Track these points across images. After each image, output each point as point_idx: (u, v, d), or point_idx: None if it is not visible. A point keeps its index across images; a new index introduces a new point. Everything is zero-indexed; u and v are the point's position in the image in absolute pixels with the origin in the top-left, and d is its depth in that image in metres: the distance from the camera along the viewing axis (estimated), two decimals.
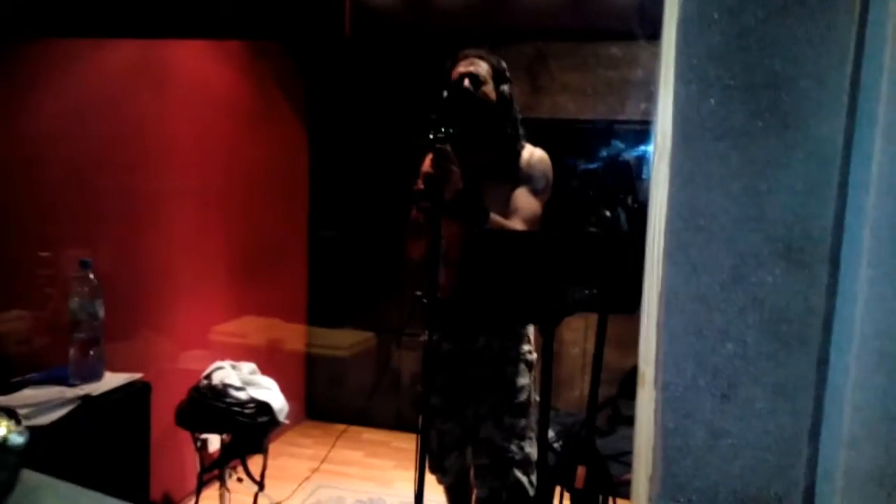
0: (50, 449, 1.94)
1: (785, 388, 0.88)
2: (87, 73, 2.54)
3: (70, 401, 2.09)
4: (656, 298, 0.96)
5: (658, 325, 0.95)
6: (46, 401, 2.06)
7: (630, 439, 1.16)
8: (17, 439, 0.43)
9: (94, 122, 2.60)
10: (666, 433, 0.93)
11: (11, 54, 2.18)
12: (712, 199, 0.89)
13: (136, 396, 2.34)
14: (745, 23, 0.85)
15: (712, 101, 0.87)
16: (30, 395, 2.10)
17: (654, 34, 1.00)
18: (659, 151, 0.93)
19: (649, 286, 0.98)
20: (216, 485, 3.01)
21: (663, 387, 0.93)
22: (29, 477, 0.51)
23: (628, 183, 1.83)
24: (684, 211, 0.91)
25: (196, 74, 3.24)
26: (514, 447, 2.21)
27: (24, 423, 1.88)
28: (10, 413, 0.48)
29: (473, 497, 2.45)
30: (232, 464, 3.05)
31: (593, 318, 1.95)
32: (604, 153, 1.95)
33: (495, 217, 2.05)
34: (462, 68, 2.17)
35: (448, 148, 1.94)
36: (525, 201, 2.18)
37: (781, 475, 0.89)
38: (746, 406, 0.89)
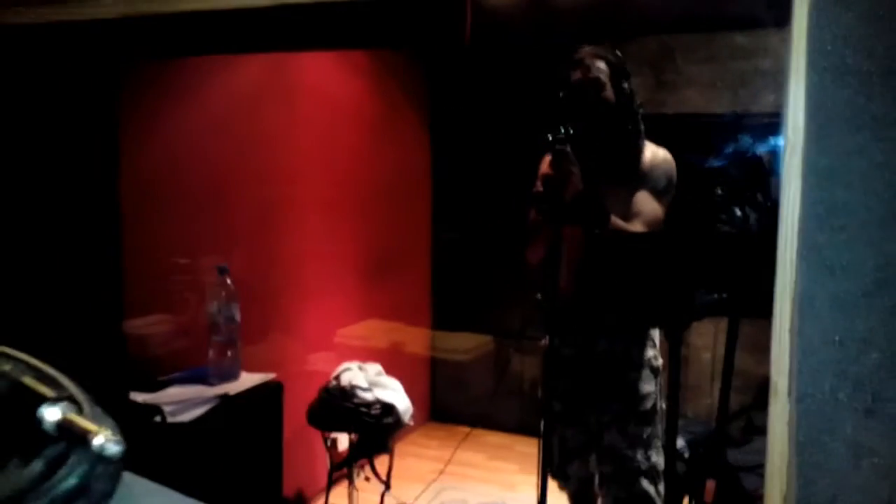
0: (191, 444, 2.07)
1: None
2: (221, 88, 2.69)
3: (210, 399, 2.21)
4: (789, 304, 0.89)
5: (791, 332, 0.89)
6: (188, 399, 2.19)
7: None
8: (114, 448, 0.44)
9: (228, 135, 2.75)
10: (801, 449, 0.87)
11: (154, 73, 2.35)
12: (852, 197, 0.82)
13: (269, 396, 2.45)
14: (885, 1, 0.77)
15: (849, 89, 0.80)
16: (174, 393, 2.24)
17: (784, 20, 0.93)
18: (790, 146, 0.86)
19: (781, 291, 0.91)
20: (345, 483, 3.10)
21: (798, 399, 0.86)
22: (131, 483, 0.53)
23: (759, 180, 1.72)
24: (820, 209, 0.84)
25: (323, 85, 3.37)
26: (640, 456, 2.13)
27: (169, 419, 2.03)
28: (105, 420, 0.50)
29: None
30: (360, 463, 3.14)
31: (725, 322, 1.85)
32: (733, 149, 1.85)
33: (616, 221, 1.99)
34: (579, 73, 2.10)
35: (567, 149, 1.90)
36: (647, 205, 2.09)
37: None
38: (894, 422, 0.81)
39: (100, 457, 0.44)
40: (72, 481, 0.45)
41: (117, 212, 1.76)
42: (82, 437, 0.44)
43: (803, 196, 0.86)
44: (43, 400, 0.47)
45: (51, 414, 0.46)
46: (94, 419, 0.47)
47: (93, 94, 1.70)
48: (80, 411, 0.47)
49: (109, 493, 0.48)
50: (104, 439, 0.44)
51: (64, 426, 0.45)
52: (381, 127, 3.89)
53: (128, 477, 0.52)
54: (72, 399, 0.48)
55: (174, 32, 1.67)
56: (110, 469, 0.48)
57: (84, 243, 1.68)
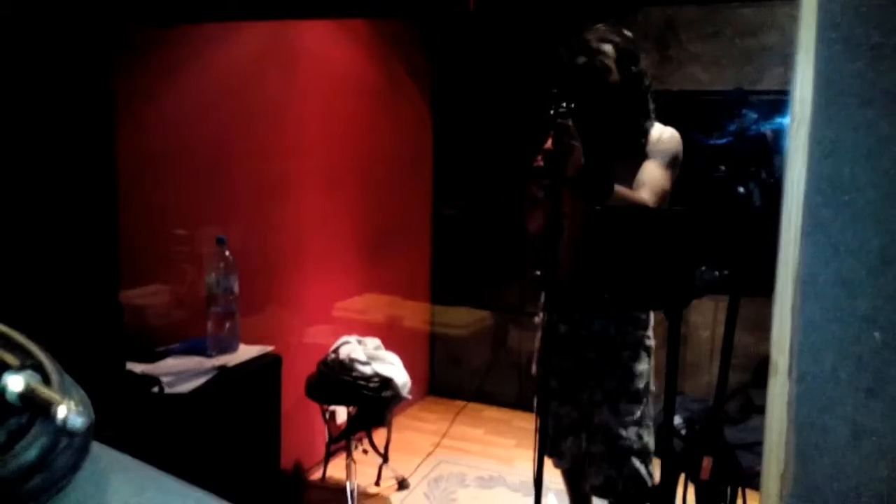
0: (189, 416, 2.07)
1: None
2: (219, 58, 2.66)
3: (208, 371, 2.21)
4: (791, 282, 0.88)
5: (793, 310, 0.87)
6: (186, 370, 2.20)
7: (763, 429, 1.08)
8: (78, 421, 0.43)
9: (227, 105, 2.72)
10: (800, 428, 0.86)
11: (151, 41, 2.31)
12: (858, 172, 0.80)
13: (268, 368, 2.45)
14: None
15: (859, 62, 0.78)
16: (172, 364, 2.24)
17: None
18: (796, 120, 0.85)
19: (783, 268, 0.90)
20: (343, 455, 3.12)
21: (798, 378, 0.85)
22: (101, 456, 0.51)
23: (763, 156, 1.70)
24: (825, 185, 0.83)
25: (323, 56, 3.33)
26: (631, 435, 2.13)
27: (167, 390, 2.03)
28: (74, 391, 0.48)
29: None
30: (357, 436, 3.15)
31: (724, 300, 1.84)
32: (737, 125, 1.82)
33: (621, 189, 1.95)
34: (584, 58, 2.05)
35: (569, 122, 1.88)
36: (653, 174, 2.06)
37: None
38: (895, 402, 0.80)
39: (63, 429, 0.43)
40: (31, 454, 0.44)
41: (113, 180, 1.74)
42: (45, 409, 0.42)
43: (808, 171, 0.84)
44: (6, 368, 0.45)
45: (14, 383, 0.44)
46: (61, 390, 0.45)
47: (87, 59, 1.67)
48: (46, 381, 0.45)
49: (74, 467, 0.47)
50: (68, 411, 0.42)
51: (27, 396, 0.43)
52: (382, 99, 3.86)
53: (98, 449, 0.50)
54: (38, 367, 0.46)
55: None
56: (76, 442, 0.46)
57: (79, 212, 1.67)
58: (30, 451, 0.43)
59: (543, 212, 1.91)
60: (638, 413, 2.14)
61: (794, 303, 0.87)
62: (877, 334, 0.81)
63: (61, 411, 0.42)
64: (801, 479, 0.85)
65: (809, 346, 0.85)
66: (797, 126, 0.84)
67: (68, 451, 0.45)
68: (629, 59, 2.06)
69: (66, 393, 0.45)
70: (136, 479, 0.52)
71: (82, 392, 0.49)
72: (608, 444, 2.16)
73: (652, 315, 2.21)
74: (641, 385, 2.16)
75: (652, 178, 2.06)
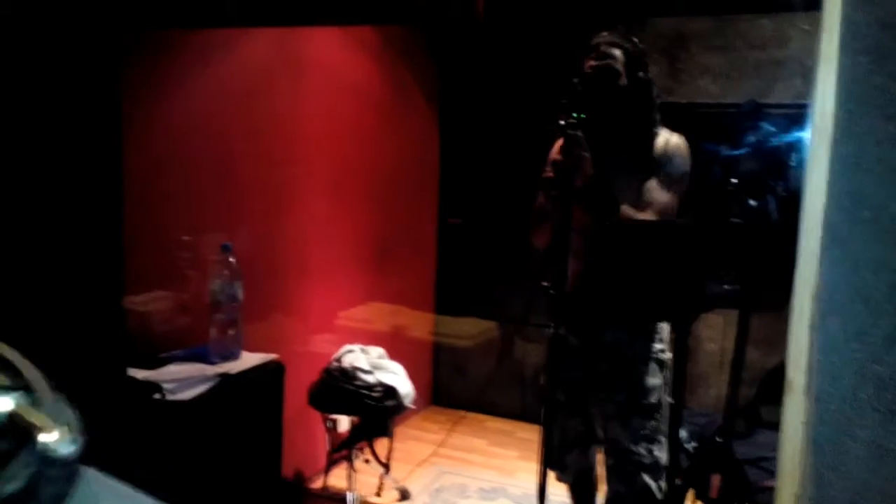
0: (190, 423, 2.05)
1: None
2: (227, 64, 2.65)
3: (210, 378, 2.20)
4: (809, 298, 0.85)
5: (811, 327, 0.85)
6: (189, 377, 2.18)
7: (770, 444, 1.06)
8: (66, 449, 0.40)
9: (234, 112, 2.71)
10: (817, 449, 0.83)
11: (158, 47, 2.31)
12: (882, 188, 0.78)
13: (270, 376, 2.43)
14: None
15: (884, 75, 0.76)
16: (174, 370, 2.22)
17: (810, 4, 0.89)
18: (817, 133, 0.83)
19: (801, 284, 0.87)
20: (344, 465, 3.09)
21: (816, 398, 0.83)
22: (93, 482, 0.49)
23: (778, 170, 1.68)
24: (846, 200, 0.81)
25: (330, 63, 3.32)
26: (642, 450, 2.11)
27: (169, 397, 2.01)
28: (67, 415, 0.46)
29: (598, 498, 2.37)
30: (359, 445, 3.13)
31: (732, 314, 1.81)
32: (750, 139, 1.80)
33: (626, 211, 1.97)
34: (594, 61, 2.06)
35: (579, 134, 1.86)
36: (658, 195, 2.05)
37: None
38: None
39: (49, 458, 0.40)
40: (15, 484, 0.41)
41: (119, 185, 1.73)
42: (31, 434, 0.40)
43: (829, 185, 0.82)
44: None
45: (2, 404, 0.41)
46: (54, 413, 0.43)
47: (94, 62, 1.66)
48: (37, 403, 0.43)
49: (63, 496, 0.44)
50: (56, 438, 0.40)
51: (15, 419, 0.40)
52: (389, 107, 3.85)
53: (89, 475, 0.48)
54: (28, 389, 0.43)
55: (180, 2, 1.64)
56: (64, 470, 0.44)
57: (83, 216, 1.65)
58: (14, 480, 0.41)
59: (551, 225, 1.90)
60: (649, 427, 2.12)
61: (813, 320, 0.85)
62: None
63: (49, 438, 0.40)
64: (818, 502, 0.83)
65: (828, 364, 0.82)
66: (818, 139, 0.82)
67: (57, 481, 0.43)
68: (638, 65, 2.07)
69: (56, 418, 0.42)
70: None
71: (75, 415, 0.46)
72: (619, 459, 2.13)
73: (667, 328, 2.18)
74: (654, 399, 2.13)
75: (657, 199, 2.05)
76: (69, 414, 0.45)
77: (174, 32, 2.34)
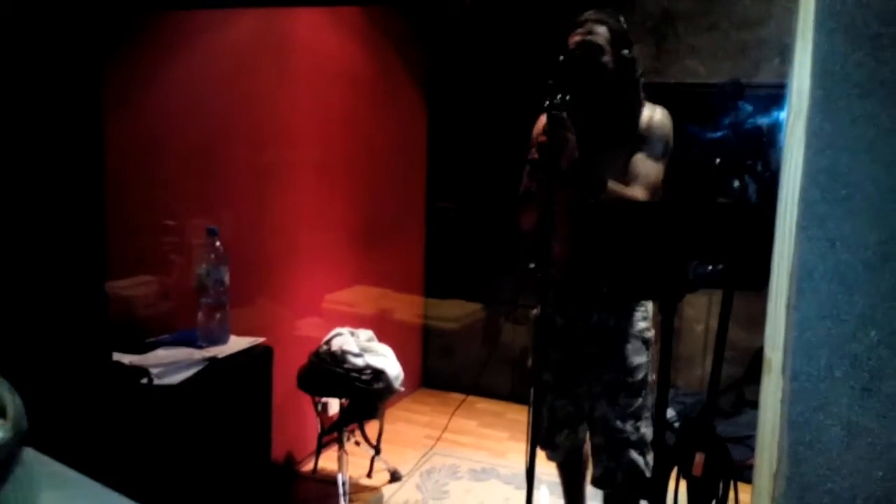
0: (178, 407, 2.05)
1: None
2: (211, 46, 2.62)
3: (198, 362, 2.19)
4: (786, 277, 0.86)
5: (788, 307, 0.86)
6: (176, 361, 2.17)
7: (755, 423, 1.07)
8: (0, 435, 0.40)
9: (218, 93, 2.68)
10: (793, 426, 0.84)
11: (140, 28, 2.28)
12: (856, 166, 0.78)
13: (259, 359, 2.43)
14: None
15: (859, 52, 0.76)
16: (162, 355, 2.22)
17: None
18: (794, 112, 0.82)
19: (778, 263, 0.88)
20: (335, 447, 3.10)
21: (792, 376, 0.84)
22: (32, 465, 0.48)
23: (759, 150, 1.68)
24: (822, 179, 0.81)
25: (316, 46, 3.29)
26: (629, 427, 2.13)
27: (156, 381, 2.00)
28: (11, 399, 0.45)
29: (588, 476, 2.39)
30: (350, 428, 3.14)
31: (718, 294, 1.82)
32: (733, 118, 1.80)
33: (613, 185, 1.97)
34: (578, 37, 2.07)
35: (564, 115, 1.86)
36: (644, 167, 2.06)
37: None
38: (892, 401, 0.78)
39: None
40: None
41: (100, 168, 1.71)
42: None
43: (805, 164, 0.82)
44: None
45: None
46: None
47: (74, 44, 1.64)
48: None
49: (3, 478, 0.44)
50: None
51: None
52: (376, 90, 3.82)
53: (31, 458, 0.47)
54: None
55: None
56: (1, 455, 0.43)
57: (64, 200, 1.64)
58: None
59: (537, 209, 1.90)
60: (636, 405, 2.14)
61: (790, 299, 0.85)
62: (873, 332, 0.79)
63: None
64: (794, 478, 0.84)
65: (804, 343, 0.83)
66: (794, 117, 0.82)
67: None
68: (622, 42, 2.07)
69: (1, 401, 0.42)
70: (69, 492, 0.49)
71: (17, 401, 0.45)
72: (607, 437, 2.16)
73: (651, 307, 2.20)
74: (640, 377, 2.15)
75: (644, 173, 2.06)
76: (8, 400, 0.45)
77: (157, 13, 2.32)
